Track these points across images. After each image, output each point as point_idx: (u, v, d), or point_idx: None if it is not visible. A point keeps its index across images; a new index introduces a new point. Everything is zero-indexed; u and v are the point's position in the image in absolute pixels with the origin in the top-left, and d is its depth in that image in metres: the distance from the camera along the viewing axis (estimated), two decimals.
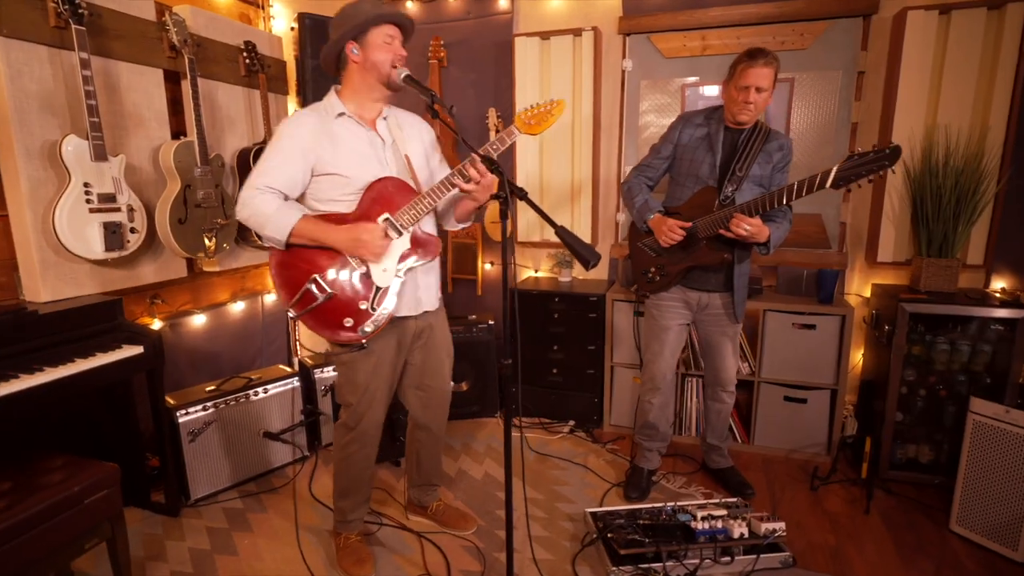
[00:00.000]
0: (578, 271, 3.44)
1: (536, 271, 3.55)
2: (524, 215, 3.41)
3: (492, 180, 1.76)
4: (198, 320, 2.95)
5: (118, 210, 2.24)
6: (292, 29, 3.11)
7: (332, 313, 1.77)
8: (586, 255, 1.42)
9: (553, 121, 1.89)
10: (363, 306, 1.78)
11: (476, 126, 3.48)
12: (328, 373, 2.88)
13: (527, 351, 3.21)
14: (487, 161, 1.59)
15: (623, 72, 3.18)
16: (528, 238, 3.44)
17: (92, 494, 1.70)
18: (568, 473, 2.69)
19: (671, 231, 2.20)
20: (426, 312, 1.97)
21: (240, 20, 3.12)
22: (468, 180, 1.75)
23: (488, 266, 3.65)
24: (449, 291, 3.74)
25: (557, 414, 3.22)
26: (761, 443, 2.87)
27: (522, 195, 1.52)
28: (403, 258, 1.81)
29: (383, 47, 1.75)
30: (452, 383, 2.17)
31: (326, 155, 1.75)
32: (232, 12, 3.08)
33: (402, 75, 1.75)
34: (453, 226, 2.03)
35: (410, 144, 1.92)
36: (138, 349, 2.13)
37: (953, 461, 2.39)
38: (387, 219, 1.76)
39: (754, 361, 2.82)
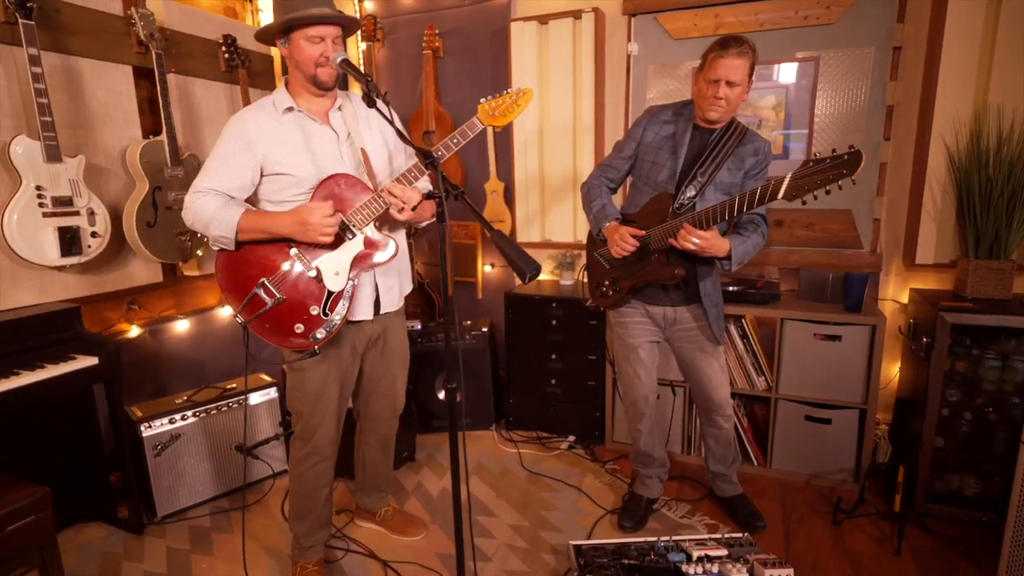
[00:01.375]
0: (581, 274, 3.19)
1: None
2: (523, 212, 3.19)
3: (412, 199, 1.61)
4: (181, 326, 2.85)
5: (76, 214, 2.14)
6: None
7: (282, 319, 1.66)
8: (522, 266, 1.20)
9: (519, 111, 1.72)
10: (314, 311, 1.66)
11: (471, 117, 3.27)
12: None
13: (523, 360, 2.99)
14: (422, 154, 1.38)
15: (628, 57, 2.91)
16: (528, 238, 3.22)
17: (17, 520, 1.58)
18: (560, 496, 2.46)
19: (622, 240, 1.95)
20: (385, 314, 1.85)
21: (225, 14, 3.00)
22: (401, 209, 1.62)
23: (488, 268, 3.45)
24: (449, 294, 3.55)
25: (556, 427, 2.99)
26: (779, 466, 2.57)
27: (458, 194, 1.31)
28: (357, 261, 1.66)
29: (307, 47, 1.60)
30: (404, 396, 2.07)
31: (274, 153, 1.64)
32: (216, 6, 2.96)
33: (338, 59, 1.56)
34: (411, 225, 1.86)
35: (368, 136, 1.77)
36: (92, 360, 2.03)
37: (1005, 495, 2.04)
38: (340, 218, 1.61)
39: (771, 375, 2.52)
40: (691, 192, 1.91)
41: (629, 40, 2.90)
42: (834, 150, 1.60)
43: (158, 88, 2.38)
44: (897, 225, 2.60)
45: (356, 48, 3.40)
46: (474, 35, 3.21)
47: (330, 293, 1.65)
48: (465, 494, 2.41)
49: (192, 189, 1.64)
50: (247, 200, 1.71)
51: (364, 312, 1.77)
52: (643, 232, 1.94)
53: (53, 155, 2.05)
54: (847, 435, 2.43)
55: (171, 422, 2.32)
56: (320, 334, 1.66)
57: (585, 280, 3.17)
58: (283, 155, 1.63)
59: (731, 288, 2.55)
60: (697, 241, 1.80)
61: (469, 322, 3.12)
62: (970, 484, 2.24)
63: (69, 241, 2.10)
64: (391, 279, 1.84)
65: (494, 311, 3.37)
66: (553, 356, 2.92)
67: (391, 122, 1.46)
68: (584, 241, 3.07)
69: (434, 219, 1.80)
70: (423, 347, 2.98)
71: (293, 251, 1.63)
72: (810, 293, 2.58)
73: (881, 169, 2.59)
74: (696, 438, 2.71)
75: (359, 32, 3.36)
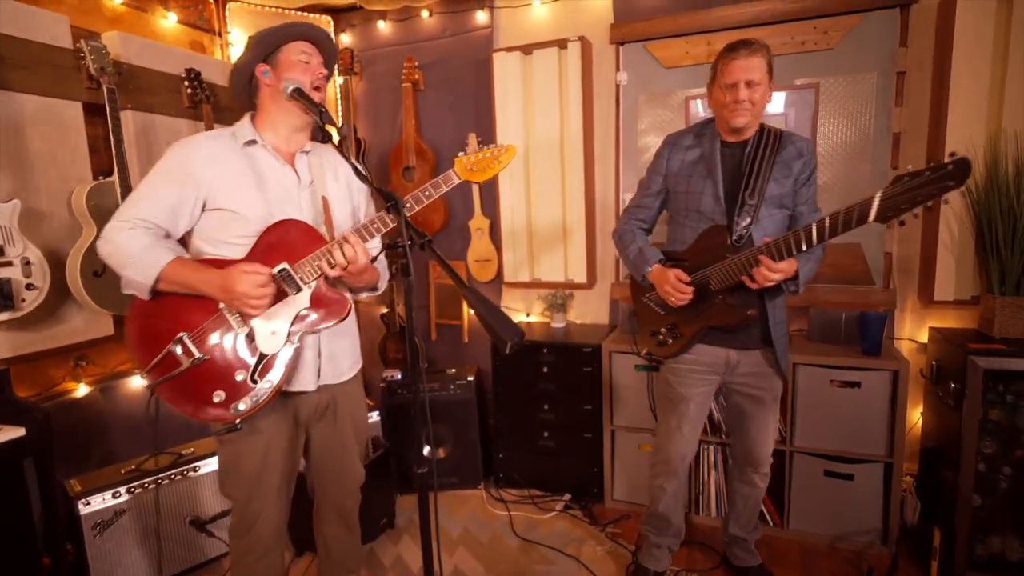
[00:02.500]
0: (573, 315, 2.99)
1: (527, 315, 3.11)
2: (511, 252, 2.99)
3: (363, 267, 1.40)
4: (136, 382, 2.60)
5: (8, 264, 1.91)
6: None
7: (199, 383, 1.39)
8: (501, 332, 0.98)
9: (500, 168, 1.55)
10: (240, 377, 1.39)
11: (454, 152, 3.08)
12: None
13: (513, 410, 2.75)
14: (383, 196, 1.18)
15: (617, 87, 2.77)
16: (516, 278, 3.01)
17: None
18: (557, 569, 2.20)
19: (675, 290, 1.75)
20: (330, 385, 1.57)
21: (192, 48, 2.84)
22: (333, 265, 1.38)
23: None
24: (433, 338, 3.33)
25: (550, 484, 2.73)
26: (798, 527, 2.32)
27: (424, 243, 1.10)
28: (299, 320, 1.41)
29: (298, 66, 1.45)
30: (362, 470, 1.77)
31: (222, 186, 1.41)
32: (181, 40, 2.80)
33: (288, 88, 1.37)
34: (350, 295, 1.60)
35: (333, 187, 1.57)
36: (18, 431, 1.77)
37: None
38: (284, 270, 1.38)
39: (784, 425, 2.30)
40: (746, 220, 1.71)
41: (618, 70, 2.76)
42: (930, 161, 1.39)
43: (110, 125, 2.19)
44: (911, 259, 2.43)
45: (333, 82, 3.25)
46: (455, 67, 3.07)
47: (262, 356, 1.39)
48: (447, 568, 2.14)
49: (117, 217, 1.40)
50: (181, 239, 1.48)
51: (305, 381, 1.50)
52: (688, 279, 1.74)
53: None
54: (872, 492, 2.19)
55: (115, 496, 2.05)
56: (243, 405, 1.38)
57: (581, 322, 2.97)
58: (232, 190, 1.42)
59: None
60: (778, 277, 1.60)
61: (453, 370, 2.89)
62: (1014, 547, 2.01)
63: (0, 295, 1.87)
64: (341, 344, 1.58)
65: (481, 357, 3.14)
66: (545, 406, 2.68)
67: (347, 158, 1.27)
68: (577, 280, 2.89)
69: (373, 290, 1.64)
70: (404, 399, 2.73)
71: (222, 304, 1.39)
72: (822, 334, 2.38)
73: None
74: (706, 495, 2.46)
75: (336, 66, 3.21)
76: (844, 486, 2.21)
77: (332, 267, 1.36)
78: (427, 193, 1.44)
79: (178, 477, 2.20)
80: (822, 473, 2.24)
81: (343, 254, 1.35)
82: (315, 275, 1.39)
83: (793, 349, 2.29)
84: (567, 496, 2.67)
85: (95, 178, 2.27)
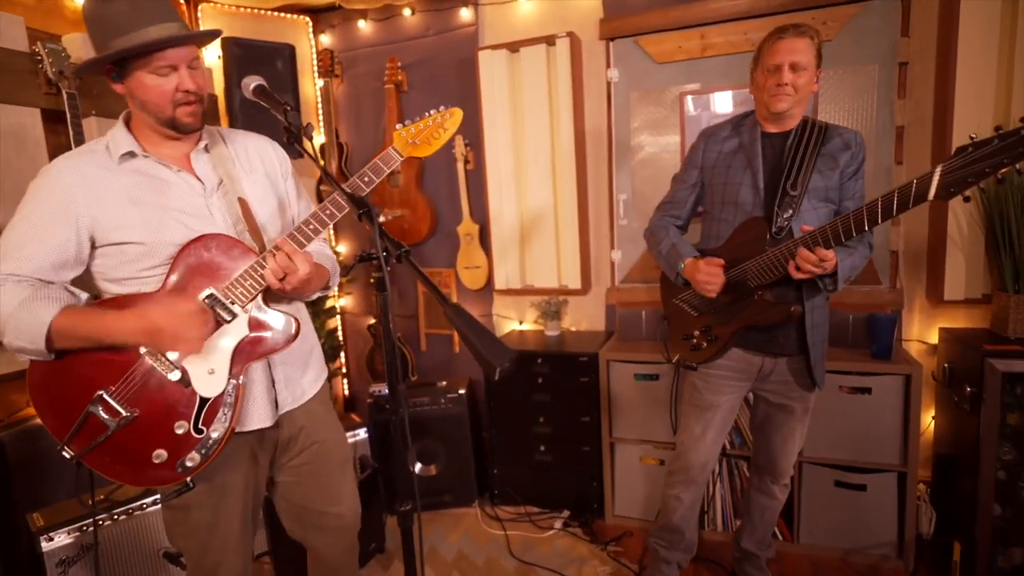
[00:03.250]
0: (568, 322, 2.87)
1: (520, 323, 2.99)
2: (501, 258, 2.87)
3: (305, 277, 1.21)
4: None
5: None
6: (219, 58, 2.68)
7: (133, 445, 1.19)
8: (489, 356, 0.86)
9: (448, 136, 1.37)
10: (181, 429, 1.19)
11: (442, 157, 2.98)
12: None
13: (508, 424, 2.63)
14: (357, 202, 1.05)
15: (608, 84, 2.66)
16: (508, 285, 2.89)
17: None
18: None
19: (708, 274, 1.62)
20: (291, 412, 1.38)
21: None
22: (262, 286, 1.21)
23: None
24: (423, 349, 3.21)
25: (548, 501, 2.61)
26: (809, 540, 2.21)
27: (401, 255, 0.98)
28: (241, 351, 1.22)
29: (155, 82, 1.16)
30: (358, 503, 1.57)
31: (106, 216, 1.17)
32: None
33: (251, 85, 1.23)
34: (307, 298, 1.43)
35: (248, 181, 1.34)
36: None
37: None
38: (211, 295, 1.19)
39: None
40: (787, 212, 1.59)
41: (609, 66, 2.65)
42: (998, 127, 1.27)
43: (71, 132, 2.05)
44: (918, 257, 2.33)
45: (313, 85, 3.12)
46: (440, 66, 2.95)
47: (203, 401, 1.20)
48: None
49: None
50: (76, 282, 1.23)
51: (260, 417, 1.30)
52: (727, 273, 1.62)
53: None
54: (885, 502, 2.09)
55: (80, 530, 1.91)
56: (191, 461, 1.19)
57: (576, 329, 2.85)
58: (122, 218, 1.17)
59: None
60: (820, 265, 1.46)
61: (444, 382, 2.76)
62: None
63: None
64: (294, 367, 1.38)
65: (473, 367, 3.01)
66: (541, 419, 2.56)
67: (315, 160, 1.13)
68: (571, 286, 2.77)
69: (326, 289, 1.44)
70: (392, 414, 2.60)
71: (143, 348, 1.19)
72: (829, 337, 2.27)
73: None
74: (714, 508, 2.35)
75: (315, 68, 3.10)
76: (856, 497, 2.11)
77: (281, 279, 1.18)
78: (367, 179, 1.26)
79: (150, 508, 2.05)
80: (833, 484, 2.14)
81: (276, 265, 1.17)
82: (250, 295, 1.20)
83: None
84: (566, 513, 2.55)
85: None
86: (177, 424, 1.20)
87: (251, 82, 1.22)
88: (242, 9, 2.93)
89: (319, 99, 3.14)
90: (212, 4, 2.85)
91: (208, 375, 1.20)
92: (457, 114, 1.35)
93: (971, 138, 1.33)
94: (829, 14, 2.29)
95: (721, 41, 2.46)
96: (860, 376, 2.07)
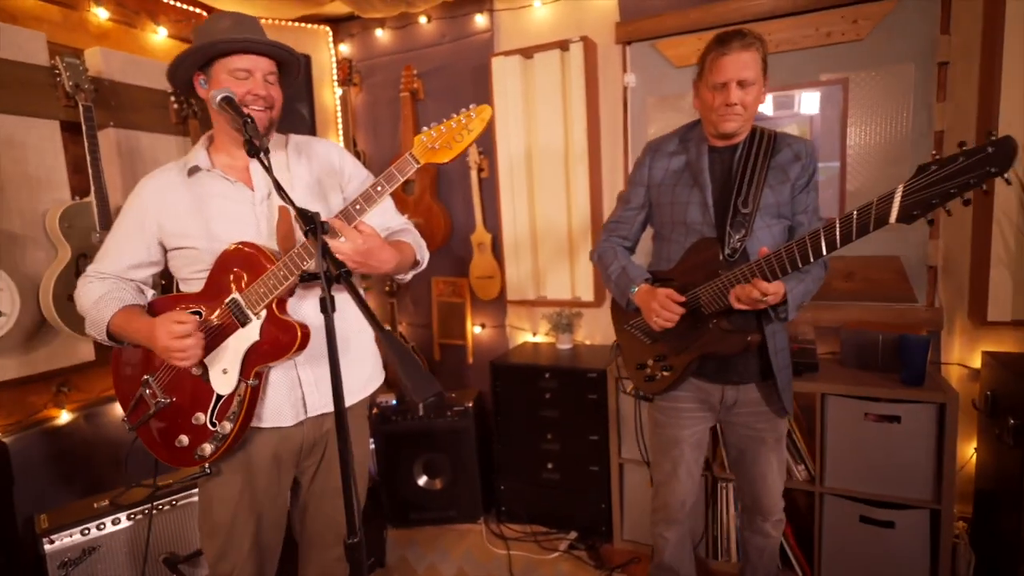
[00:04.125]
0: (580, 336, 2.78)
1: (534, 335, 2.91)
2: (514, 268, 2.81)
3: (356, 248, 1.21)
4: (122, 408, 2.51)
5: None
6: None
7: (167, 427, 1.36)
8: (412, 388, 0.79)
9: (472, 137, 1.28)
10: (199, 420, 1.30)
11: (458, 165, 2.95)
12: None
13: (515, 439, 2.56)
14: (304, 217, 1.02)
15: (625, 89, 2.56)
16: (520, 296, 2.83)
17: None
18: None
19: (664, 308, 1.51)
20: (322, 416, 1.40)
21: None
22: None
23: (478, 329, 3.05)
24: (437, 359, 3.17)
25: (555, 520, 2.52)
26: None
27: (340, 275, 0.93)
28: (253, 353, 1.26)
29: (230, 83, 1.29)
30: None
31: (171, 225, 1.35)
32: (173, 54, 2.72)
33: (217, 97, 1.22)
34: (400, 279, 1.50)
35: (297, 188, 1.39)
36: None
37: None
38: (233, 301, 1.26)
39: (813, 463, 2.04)
40: (739, 231, 1.49)
41: (625, 71, 2.56)
42: (962, 144, 1.15)
43: (86, 143, 2.11)
44: (959, 274, 2.14)
45: (333, 94, 3.14)
46: (455, 74, 2.92)
47: (219, 397, 1.29)
48: None
49: (85, 271, 1.41)
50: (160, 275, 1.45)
51: (279, 416, 1.35)
52: (682, 298, 1.51)
53: None
54: (916, 542, 1.91)
55: (83, 533, 1.94)
56: (206, 450, 1.29)
57: (591, 343, 2.76)
58: (183, 226, 1.34)
59: None
60: (769, 296, 1.36)
61: (453, 395, 2.71)
62: None
63: None
64: (326, 368, 1.39)
65: (485, 379, 2.95)
66: (548, 436, 2.48)
67: (268, 172, 1.10)
68: (584, 298, 2.69)
69: (416, 266, 1.45)
70: (398, 425, 2.57)
71: None
72: (856, 359, 2.11)
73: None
74: (724, 539, 2.21)
75: (334, 77, 3.11)
76: (883, 535, 1.94)
77: (274, 294, 1.23)
78: (379, 188, 1.24)
79: (153, 512, 2.08)
80: (857, 519, 1.97)
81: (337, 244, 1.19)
82: (264, 301, 1.24)
83: (823, 376, 2.04)
84: (573, 534, 2.46)
85: (74, 198, 2.19)
86: (197, 415, 1.32)
87: (217, 94, 1.20)
88: (264, 21, 2.96)
89: (338, 108, 3.16)
90: None
91: (222, 374, 1.29)
92: (485, 112, 1.26)
93: (933, 155, 1.20)
94: (860, 11, 2.14)
95: None
96: (888, 403, 1.90)
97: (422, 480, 2.62)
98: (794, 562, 2.10)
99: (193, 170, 1.35)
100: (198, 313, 1.29)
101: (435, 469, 2.63)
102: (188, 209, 1.34)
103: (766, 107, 2.32)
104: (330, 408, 1.36)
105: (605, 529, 2.41)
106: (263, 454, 1.38)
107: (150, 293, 1.43)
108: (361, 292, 0.92)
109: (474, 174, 2.86)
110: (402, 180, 1.26)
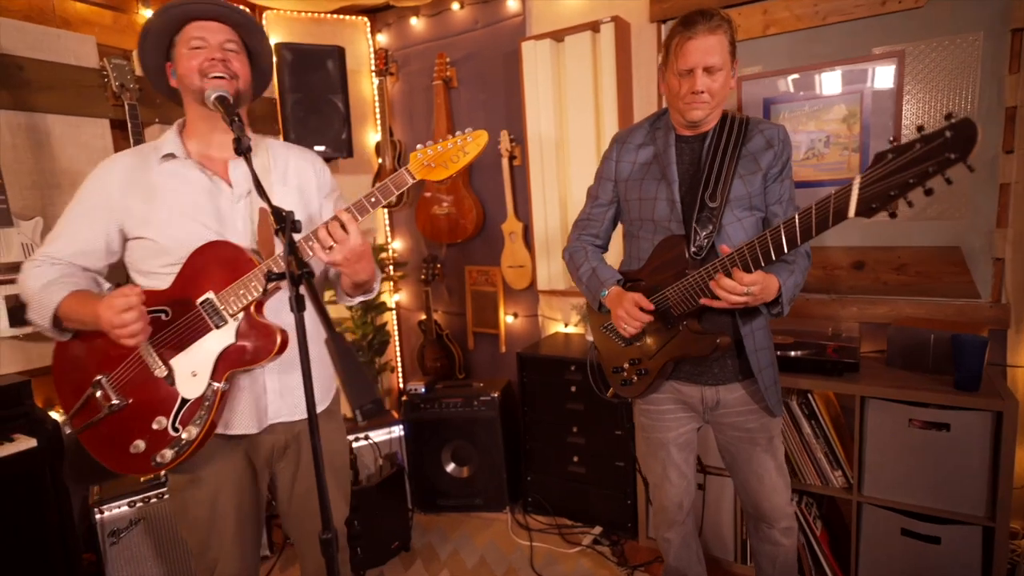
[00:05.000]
0: None
1: (566, 325, 2.87)
2: (545, 257, 2.76)
3: (356, 246, 1.20)
4: None
5: None
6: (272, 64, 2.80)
7: (118, 431, 1.26)
8: (351, 396, 0.77)
9: (467, 160, 1.29)
10: (159, 425, 1.24)
11: (489, 154, 2.92)
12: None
13: (542, 431, 2.54)
14: (275, 215, 1.02)
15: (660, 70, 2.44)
16: (550, 286, 2.78)
17: None
18: None
19: (629, 314, 1.45)
20: (289, 422, 1.37)
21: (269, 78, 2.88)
22: (328, 247, 1.20)
23: (510, 318, 3.04)
24: (471, 347, 3.19)
25: (581, 514, 2.49)
26: None
27: (302, 276, 0.92)
28: (226, 357, 1.24)
29: (184, 60, 1.25)
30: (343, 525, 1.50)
31: (136, 212, 1.27)
32: None
33: (212, 96, 1.23)
34: (345, 300, 1.45)
35: (280, 192, 1.38)
36: (31, 442, 1.83)
37: None
38: (207, 301, 1.24)
39: (851, 470, 1.90)
40: (707, 227, 1.41)
41: (660, 51, 2.44)
42: (921, 128, 1.04)
43: (131, 141, 2.24)
44: None
45: (370, 84, 3.18)
46: (488, 60, 2.89)
47: (184, 401, 1.23)
48: None
49: (33, 255, 1.31)
50: (113, 267, 1.35)
51: (245, 423, 1.31)
52: (650, 306, 1.44)
53: (3, 218, 1.91)
54: (966, 560, 1.75)
55: (129, 505, 2.09)
56: (166, 456, 1.23)
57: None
58: (148, 214, 1.26)
59: (792, 353, 1.97)
60: (748, 291, 1.27)
61: (481, 383, 2.72)
62: None
63: (18, 310, 1.95)
64: (296, 377, 1.31)
65: (515, 369, 2.94)
66: (574, 429, 2.44)
67: (252, 173, 1.10)
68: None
69: (368, 292, 1.41)
70: (426, 413, 2.61)
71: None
72: (904, 359, 1.94)
73: (1002, 191, 1.93)
74: (740, 539, 2.11)
75: (371, 67, 3.15)
76: (928, 550, 1.79)
77: (328, 251, 1.19)
78: (373, 199, 1.23)
79: None
80: (899, 532, 1.83)
81: (326, 233, 1.18)
82: (241, 304, 1.22)
83: (865, 377, 1.89)
84: (598, 529, 2.42)
85: None
86: (157, 419, 1.25)
87: (212, 93, 1.22)
88: (303, 14, 3.03)
89: (376, 98, 3.20)
90: (275, 11, 2.98)
91: (191, 376, 1.24)
92: (481, 137, 1.28)
93: (890, 141, 1.07)
94: None
95: (787, 16, 2.16)
96: (936, 409, 1.74)
97: (450, 467, 2.65)
98: (829, 573, 1.98)
99: (167, 157, 1.29)
100: (163, 312, 1.24)
101: (463, 457, 2.65)
102: (158, 197, 1.27)
103: (812, 87, 2.14)
104: (293, 416, 1.36)
105: (631, 526, 2.36)
106: (233, 458, 1.35)
107: (106, 286, 1.34)
108: (317, 293, 0.90)
109: (505, 162, 2.83)
110: (396, 193, 1.26)
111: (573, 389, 2.41)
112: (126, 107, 2.23)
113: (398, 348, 3.44)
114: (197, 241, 1.25)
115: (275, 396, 1.34)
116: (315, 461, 0.89)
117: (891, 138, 1.09)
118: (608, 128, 2.48)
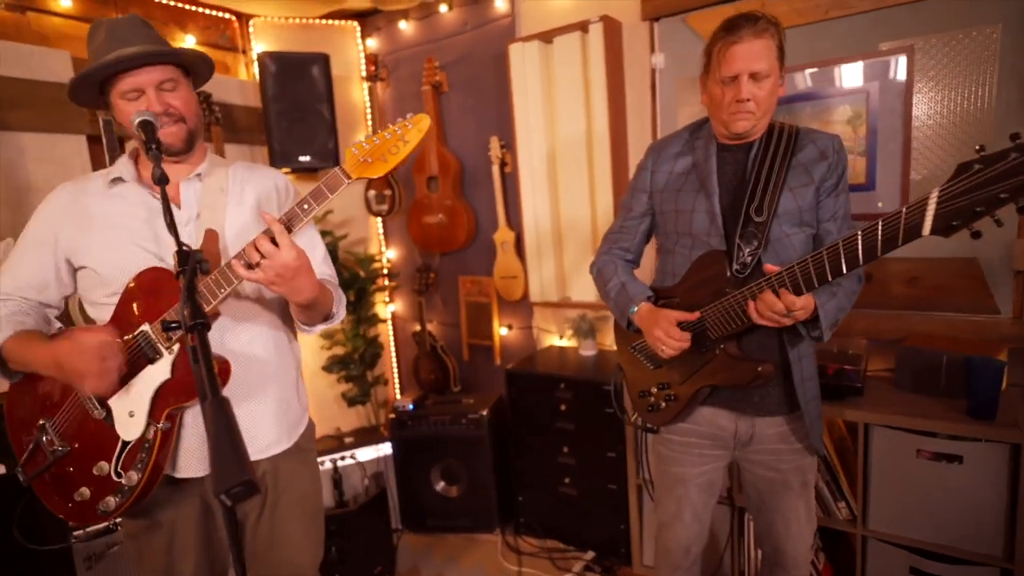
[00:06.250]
0: (610, 340, 2.59)
1: (561, 338, 2.76)
2: (537, 268, 2.66)
3: (288, 260, 1.09)
4: None
5: None
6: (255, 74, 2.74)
7: (64, 478, 1.20)
8: (215, 473, 0.65)
9: (409, 149, 1.17)
10: (99, 471, 1.17)
11: (479, 160, 2.83)
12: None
13: (532, 450, 2.44)
14: (180, 256, 0.92)
15: (653, 71, 2.32)
16: (543, 297, 2.68)
17: None
18: None
19: (668, 336, 1.32)
20: (258, 460, 1.28)
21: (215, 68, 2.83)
22: (251, 266, 1.10)
23: (504, 330, 2.94)
24: (466, 359, 3.10)
25: (573, 537, 2.39)
26: None
27: (195, 326, 0.82)
28: (165, 394, 1.15)
29: (124, 107, 1.18)
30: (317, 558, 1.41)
31: (82, 240, 1.21)
32: None
33: (136, 120, 1.14)
34: (304, 329, 1.35)
35: (234, 214, 1.29)
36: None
37: None
38: (142, 333, 1.15)
39: (855, 501, 1.76)
40: (752, 243, 1.29)
41: (653, 51, 2.31)
42: (1015, 136, 0.91)
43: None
44: None
45: (361, 90, 3.10)
46: (477, 63, 2.78)
47: (125, 444, 1.15)
48: None
49: None
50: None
51: (192, 465, 1.21)
52: (694, 316, 1.32)
53: None
54: None
55: (107, 530, 2.05)
56: (110, 503, 1.15)
57: (615, 347, 2.57)
58: (86, 242, 1.20)
59: None
60: (789, 314, 1.16)
61: (472, 400, 2.63)
62: None
63: None
64: (251, 411, 1.26)
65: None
66: (565, 449, 2.34)
67: (164, 201, 1.01)
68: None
69: (328, 319, 1.31)
70: (414, 431, 2.53)
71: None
72: (914, 382, 1.79)
73: None
74: (748, 569, 1.98)
75: (362, 73, 3.07)
76: None
77: (250, 269, 1.09)
78: (306, 206, 1.13)
79: None
80: (907, 571, 1.68)
81: (252, 247, 1.08)
82: (176, 334, 1.13)
83: (869, 401, 1.75)
84: (590, 554, 2.32)
85: None
86: (100, 464, 1.19)
87: (136, 117, 1.14)
88: (291, 20, 2.97)
89: (368, 104, 3.12)
90: (263, 19, 2.92)
91: (128, 418, 1.16)
92: (423, 122, 1.17)
93: (977, 150, 0.93)
94: None
95: (786, 10, 2.01)
96: (947, 440, 1.60)
97: (439, 486, 2.57)
98: None
99: (116, 180, 1.23)
100: None
101: (452, 475, 2.57)
102: (95, 224, 1.21)
103: (809, 85, 2.00)
104: (254, 455, 1.26)
105: (624, 551, 2.24)
106: (188, 502, 1.26)
107: (56, 326, 1.29)
108: (208, 346, 0.81)
109: (496, 169, 2.72)
110: (332, 198, 1.17)
111: (563, 407, 2.30)
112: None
113: (395, 360, 3.38)
114: (138, 267, 1.19)
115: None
116: (229, 536, 0.78)
117: (978, 146, 0.95)
118: (599, 132, 2.36)
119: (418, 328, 3.17)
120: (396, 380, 3.38)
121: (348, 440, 2.52)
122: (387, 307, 3.31)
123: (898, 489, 1.68)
